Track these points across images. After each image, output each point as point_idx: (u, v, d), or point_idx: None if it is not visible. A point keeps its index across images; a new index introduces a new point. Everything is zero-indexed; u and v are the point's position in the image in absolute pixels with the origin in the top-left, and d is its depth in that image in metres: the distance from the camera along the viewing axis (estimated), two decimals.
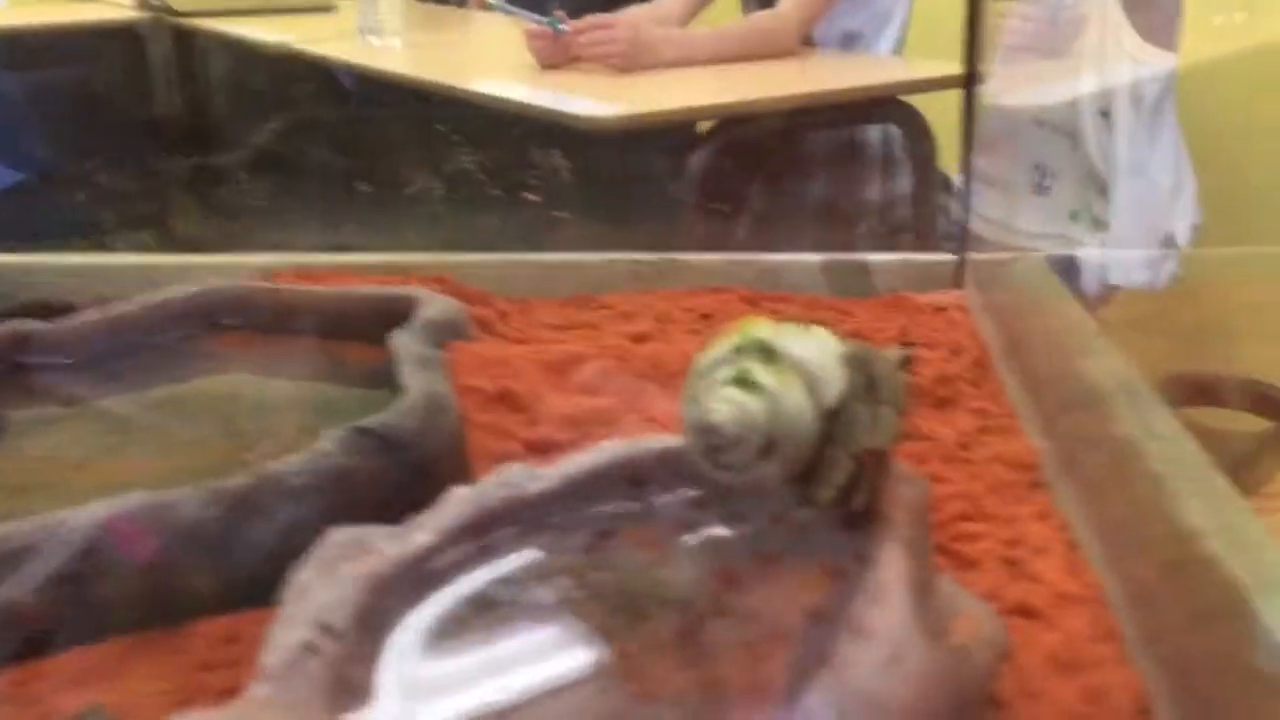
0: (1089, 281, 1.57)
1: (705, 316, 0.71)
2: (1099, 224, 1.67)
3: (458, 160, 0.77)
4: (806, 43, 1.86)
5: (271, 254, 0.79)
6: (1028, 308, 0.68)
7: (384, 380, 0.61)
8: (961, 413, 0.57)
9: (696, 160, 1.60)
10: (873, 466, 0.40)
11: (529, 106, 1.50)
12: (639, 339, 0.66)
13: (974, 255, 0.76)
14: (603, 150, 1.49)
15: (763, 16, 1.85)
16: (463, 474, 0.54)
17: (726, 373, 0.40)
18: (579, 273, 0.77)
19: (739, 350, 0.41)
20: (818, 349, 0.41)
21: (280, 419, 0.58)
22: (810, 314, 0.72)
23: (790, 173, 1.84)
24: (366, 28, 2.02)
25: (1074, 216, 1.72)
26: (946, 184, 1.76)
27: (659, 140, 1.66)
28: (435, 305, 0.64)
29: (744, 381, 0.40)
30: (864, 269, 0.76)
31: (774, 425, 0.39)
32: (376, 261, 0.78)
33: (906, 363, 0.44)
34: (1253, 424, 0.88)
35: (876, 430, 0.40)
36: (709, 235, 1.65)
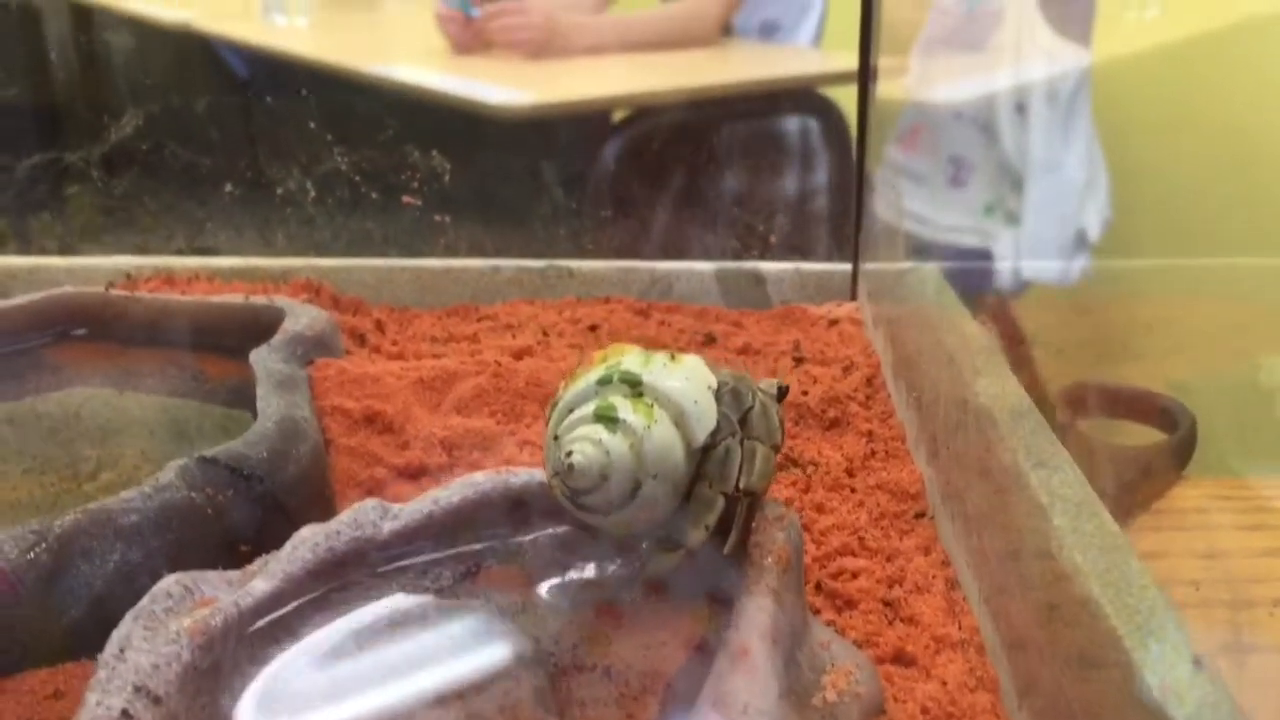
0: (1000, 276, 1.58)
1: (592, 329, 0.68)
2: (1013, 218, 1.69)
3: (336, 159, 0.73)
4: (726, 31, 1.85)
5: (132, 256, 0.74)
6: (920, 321, 0.67)
7: (245, 397, 0.57)
8: (850, 435, 0.56)
9: (610, 150, 1.57)
10: (746, 507, 0.38)
11: (440, 94, 1.45)
12: (519, 354, 0.63)
13: (868, 265, 0.74)
14: (501, 147, 1.46)
15: (681, 4, 1.83)
16: (324, 505, 0.51)
17: (589, 408, 0.38)
18: (461, 280, 0.74)
19: (604, 383, 0.38)
20: (688, 381, 0.39)
21: (126, 443, 0.54)
22: (701, 325, 0.70)
23: (705, 165, 1.82)
24: (271, 5, 1.95)
25: (988, 210, 1.73)
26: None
27: (567, 130, 1.63)
28: (302, 318, 0.60)
29: (607, 418, 0.37)
30: (758, 278, 0.75)
31: (639, 465, 0.37)
32: (247, 265, 0.74)
33: (783, 394, 0.41)
34: (1149, 436, 0.88)
35: (750, 469, 0.38)
36: (617, 231, 1.63)
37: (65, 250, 0.69)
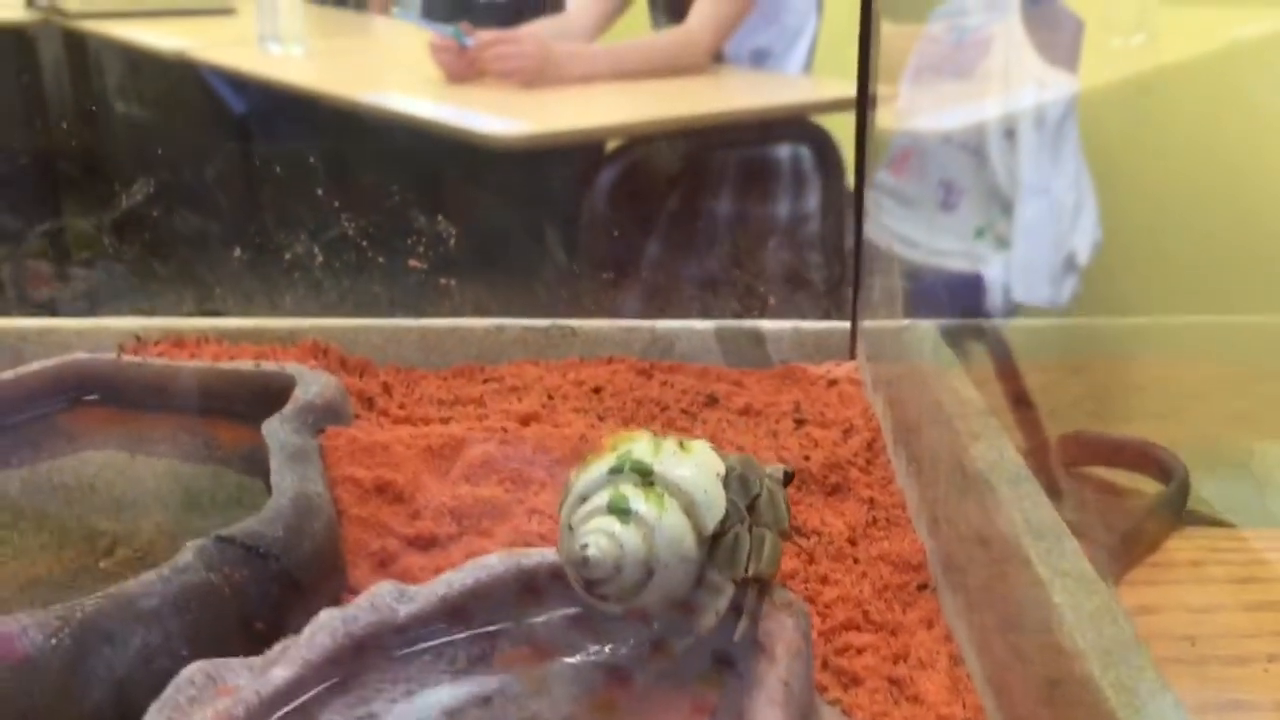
0: (992, 299, 1.61)
1: (595, 390, 0.69)
2: (1003, 241, 1.71)
3: (340, 223, 0.75)
4: (717, 59, 1.86)
5: (141, 318, 0.75)
6: (918, 382, 0.68)
7: (258, 464, 0.58)
8: (852, 501, 0.57)
9: (604, 179, 1.58)
10: (755, 593, 0.39)
11: (434, 123, 1.47)
12: (526, 419, 0.64)
13: (866, 324, 0.75)
14: (496, 177, 1.47)
15: (673, 33, 1.85)
16: (336, 577, 0.52)
17: (602, 498, 0.39)
18: (466, 339, 0.75)
19: (615, 472, 0.40)
20: (697, 470, 0.40)
21: (141, 514, 0.55)
22: (703, 385, 0.71)
23: (699, 195, 1.84)
24: (267, 34, 1.96)
25: (979, 233, 1.75)
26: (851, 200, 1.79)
27: (560, 160, 1.65)
28: (313, 386, 0.61)
29: (620, 510, 0.38)
30: (757, 336, 0.76)
31: (652, 555, 0.38)
32: (255, 326, 0.75)
33: (789, 479, 0.43)
34: (1146, 485, 0.89)
35: (759, 557, 0.39)
36: (614, 272, 1.64)
37: (75, 312, 0.70)
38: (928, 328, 0.75)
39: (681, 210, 1.85)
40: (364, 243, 0.76)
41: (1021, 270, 1.69)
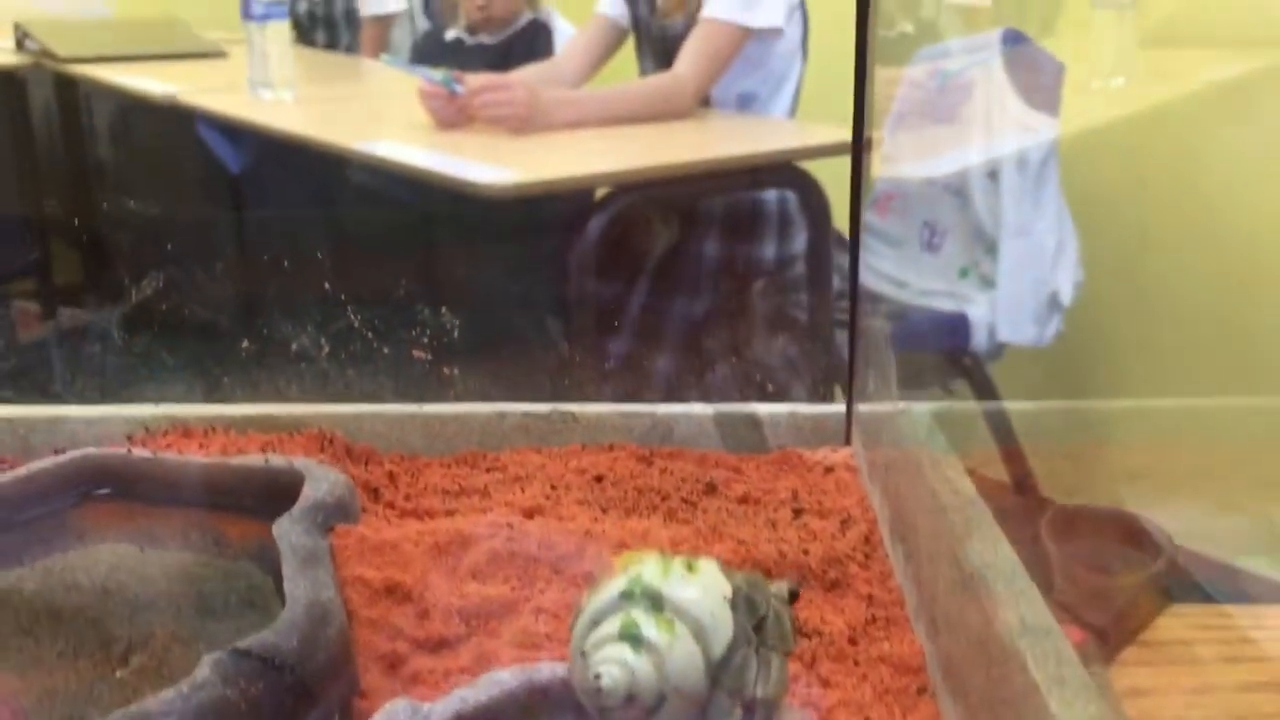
0: (979, 339, 1.63)
1: (598, 479, 0.70)
2: (987, 281, 1.73)
3: (350, 317, 0.76)
4: (703, 103, 1.89)
5: (148, 405, 0.76)
6: (912, 471, 0.69)
7: (268, 562, 0.59)
8: (851, 598, 0.58)
9: (594, 226, 1.60)
10: (763, 715, 0.41)
11: (424, 171, 1.48)
12: (530, 512, 0.65)
13: (861, 407, 0.77)
14: (484, 226, 1.50)
15: (660, 78, 1.87)
16: (348, 681, 0.53)
17: (614, 624, 0.40)
18: (469, 425, 0.76)
19: (626, 596, 0.41)
20: (705, 593, 0.41)
21: (155, 619, 0.56)
22: (702, 471, 0.72)
23: (689, 244, 1.85)
24: (258, 80, 1.98)
25: (963, 273, 1.78)
26: (841, 242, 1.81)
27: (549, 208, 1.67)
28: (322, 484, 0.63)
29: (631, 637, 0.40)
30: (754, 421, 0.77)
31: (663, 682, 0.39)
32: (259, 413, 0.76)
33: (794, 597, 0.44)
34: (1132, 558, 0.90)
35: (766, 679, 0.41)
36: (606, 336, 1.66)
37: (84, 401, 0.71)
38: (920, 412, 0.76)
39: (671, 262, 1.86)
40: (369, 333, 0.77)
41: (1006, 309, 1.72)
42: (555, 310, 1.71)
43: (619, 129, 1.79)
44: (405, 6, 2.47)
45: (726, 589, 0.42)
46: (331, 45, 2.63)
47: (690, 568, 0.42)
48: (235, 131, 2.17)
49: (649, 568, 0.42)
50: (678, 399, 0.78)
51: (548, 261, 1.72)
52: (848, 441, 0.77)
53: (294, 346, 0.76)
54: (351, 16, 2.57)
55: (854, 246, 0.80)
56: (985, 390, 1.61)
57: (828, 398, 1.73)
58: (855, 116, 0.75)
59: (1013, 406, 0.87)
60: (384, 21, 2.51)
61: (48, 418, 0.75)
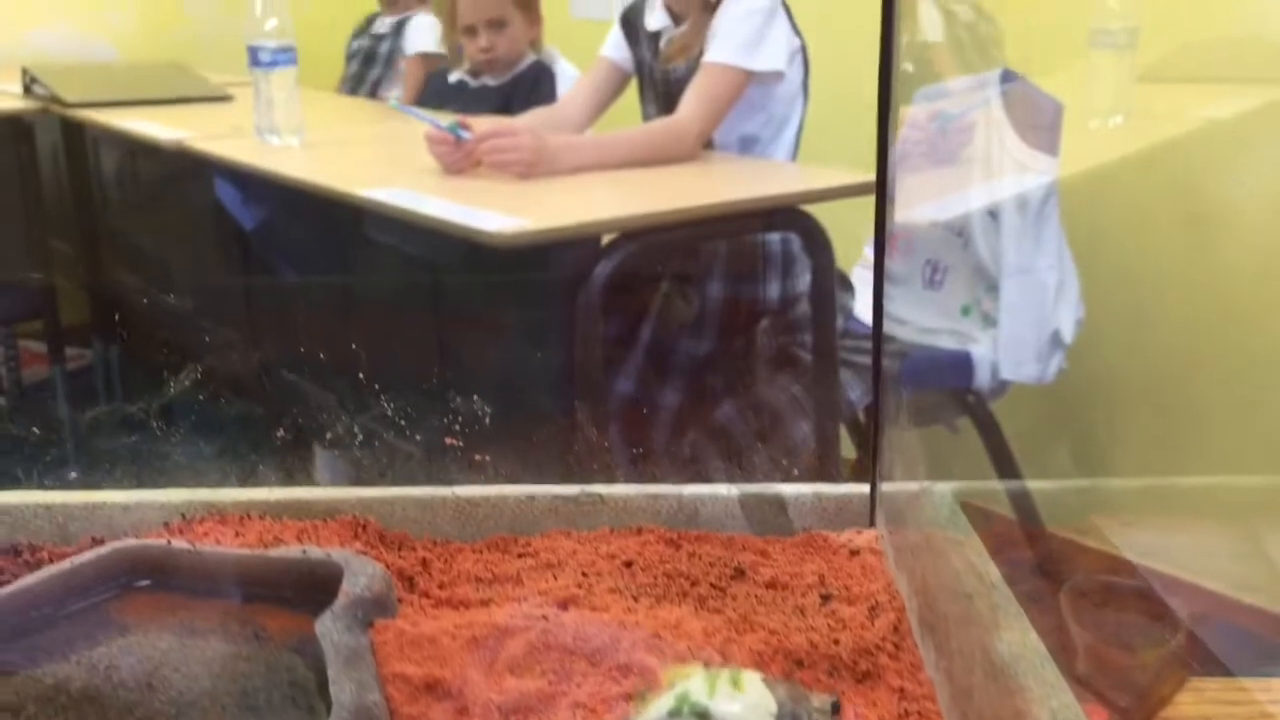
0: (982, 376, 1.65)
1: (627, 564, 0.72)
2: (988, 319, 1.75)
3: (376, 405, 0.78)
4: (706, 146, 1.91)
5: (183, 490, 0.78)
6: (937, 556, 0.70)
7: (309, 657, 0.61)
8: (883, 691, 0.59)
9: (600, 273, 1.61)
10: None
11: (433, 219, 1.50)
12: (564, 603, 0.67)
13: (885, 487, 0.78)
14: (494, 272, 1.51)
15: (663, 122, 1.90)
16: None
17: None
18: (500, 509, 0.78)
19: (675, 715, 0.42)
20: (751, 711, 0.42)
21: (200, 717, 0.57)
22: (729, 555, 0.74)
23: (694, 289, 1.87)
24: (264, 126, 2.00)
25: (965, 311, 1.80)
26: (844, 281, 1.83)
27: (556, 253, 1.68)
28: (360, 578, 0.64)
29: None
30: (780, 503, 0.79)
31: None
32: (292, 498, 0.77)
33: (836, 710, 0.45)
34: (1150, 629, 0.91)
35: None
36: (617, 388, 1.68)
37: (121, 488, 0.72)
38: (943, 492, 0.77)
39: (675, 305, 1.88)
40: (395, 418, 0.79)
41: (1008, 347, 1.74)
42: (564, 366, 1.72)
43: (625, 173, 1.81)
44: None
45: (772, 705, 0.43)
46: (381, 82, 2.68)
47: (735, 683, 0.43)
48: (248, 186, 2.19)
49: (695, 684, 0.43)
50: (694, 462, 0.79)
51: (555, 309, 1.73)
52: (872, 523, 0.78)
53: (327, 435, 0.78)
54: (393, 56, 2.61)
55: (877, 314, 0.81)
56: (989, 428, 1.62)
57: (833, 435, 1.74)
58: (879, 160, 0.76)
59: (1034, 485, 0.88)
60: (429, 60, 2.54)
61: (85, 504, 0.77)
